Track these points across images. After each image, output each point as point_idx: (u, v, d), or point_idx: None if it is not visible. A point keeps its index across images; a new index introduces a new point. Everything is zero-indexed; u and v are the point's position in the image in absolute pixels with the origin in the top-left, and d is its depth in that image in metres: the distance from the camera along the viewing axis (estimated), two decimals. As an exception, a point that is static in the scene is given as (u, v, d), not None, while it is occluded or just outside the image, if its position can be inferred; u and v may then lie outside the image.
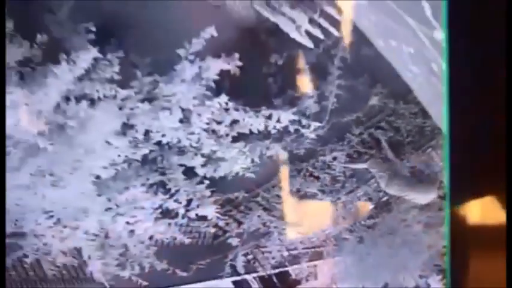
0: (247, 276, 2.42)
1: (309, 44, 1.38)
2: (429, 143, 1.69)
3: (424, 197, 2.30)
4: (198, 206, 1.58)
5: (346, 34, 1.32)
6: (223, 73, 1.30)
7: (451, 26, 0.84)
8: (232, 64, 1.38)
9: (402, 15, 0.92)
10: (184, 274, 1.49)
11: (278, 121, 1.57)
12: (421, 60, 0.95)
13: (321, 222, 2.42)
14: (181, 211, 1.57)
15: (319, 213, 2.12)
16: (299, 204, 2.16)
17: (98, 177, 1.29)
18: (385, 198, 1.85)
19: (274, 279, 3.07)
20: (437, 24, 0.90)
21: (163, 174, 1.49)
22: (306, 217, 2.27)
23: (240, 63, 1.31)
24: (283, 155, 1.86)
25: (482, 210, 0.94)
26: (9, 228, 1.15)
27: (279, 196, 2.10)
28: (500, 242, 0.93)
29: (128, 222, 1.41)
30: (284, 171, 1.98)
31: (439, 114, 0.92)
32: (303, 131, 1.54)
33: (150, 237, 1.45)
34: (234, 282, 2.46)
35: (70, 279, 1.19)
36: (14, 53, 1.07)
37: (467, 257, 0.91)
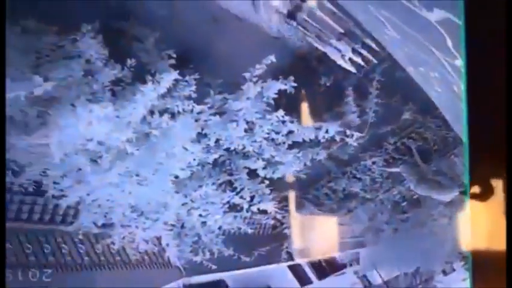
0: (300, 261, 2.38)
1: (352, 69, 1.38)
2: (452, 151, 1.67)
3: (447, 196, 2.26)
4: (259, 202, 1.56)
5: (382, 62, 1.32)
6: (280, 92, 1.29)
7: (468, 55, 0.83)
8: (288, 85, 1.36)
9: (429, 47, 0.92)
10: (248, 259, 1.48)
11: (326, 132, 1.55)
12: (445, 83, 0.95)
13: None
14: (246, 206, 1.55)
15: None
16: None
17: (176, 177, 1.29)
18: (415, 197, 1.82)
19: (323, 264, 3.06)
20: (457, 55, 0.90)
21: (230, 175, 1.48)
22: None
23: (294, 84, 1.30)
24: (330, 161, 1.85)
25: (496, 205, 0.93)
26: (100, 219, 1.15)
27: (327, 194, 2.08)
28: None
29: (200, 215, 1.40)
30: (331, 174, 1.97)
31: (460, 126, 0.91)
32: (347, 140, 1.52)
33: (219, 228, 1.44)
34: (289, 266, 2.42)
35: (150, 264, 1.18)
36: (108, 74, 1.07)
37: (486, 245, 0.89)
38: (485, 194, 0.91)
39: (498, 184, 0.91)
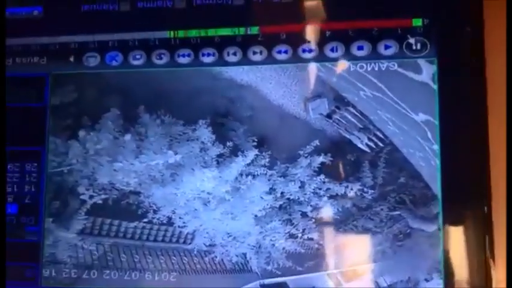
0: (335, 271, 2.29)
1: (368, 150, 1.35)
2: (431, 202, 1.61)
3: (431, 228, 2.14)
4: (308, 233, 1.54)
5: (386, 146, 1.29)
6: (322, 163, 1.28)
7: (442, 142, 0.85)
8: (327, 159, 1.35)
9: (416, 137, 0.92)
10: (301, 269, 1.44)
11: (351, 189, 1.53)
12: (426, 160, 0.94)
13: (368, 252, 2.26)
14: (299, 235, 1.53)
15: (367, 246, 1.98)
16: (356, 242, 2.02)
17: (256, 215, 1.27)
18: (408, 231, 1.75)
19: (349, 273, 2.94)
20: (434, 141, 0.91)
21: (290, 215, 1.46)
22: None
23: (331, 159, 1.29)
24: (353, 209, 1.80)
25: (459, 236, 0.96)
26: (208, 242, 1.14)
27: (351, 228, 2.01)
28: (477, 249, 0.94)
29: (271, 240, 1.38)
30: (354, 216, 1.91)
31: (436, 187, 0.92)
32: (364, 194, 1.49)
33: (283, 248, 1.41)
34: (327, 274, 2.32)
35: (238, 270, 1.15)
36: (215, 151, 1.07)
37: (455, 263, 0.91)
38: (454, 230, 0.94)
39: (463, 223, 0.94)
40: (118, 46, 0.76)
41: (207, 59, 0.76)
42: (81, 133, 0.81)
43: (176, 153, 0.93)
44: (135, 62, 0.78)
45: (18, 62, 0.77)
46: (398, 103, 0.77)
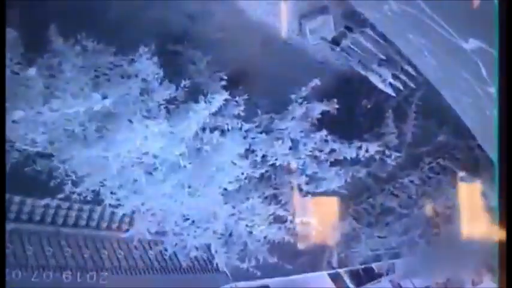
0: (340, 270, 2.30)
1: (392, 93, 1.34)
2: (484, 170, 1.60)
3: (479, 207, 2.17)
4: (303, 214, 1.53)
5: (420, 87, 1.28)
6: (324, 113, 1.26)
7: (502, 83, 0.80)
8: (331, 106, 1.33)
9: (464, 74, 0.89)
10: (290, 267, 1.44)
11: (367, 151, 1.51)
12: (478, 108, 0.92)
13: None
14: (290, 218, 1.53)
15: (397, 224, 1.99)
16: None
17: (225, 189, 1.27)
18: (448, 213, 1.75)
19: (361, 272, 2.94)
20: (490, 82, 0.86)
21: (276, 189, 1.45)
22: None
23: (337, 106, 1.27)
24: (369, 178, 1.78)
25: None
26: (154, 227, 1.13)
27: (365, 209, 2.01)
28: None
29: (247, 225, 1.37)
30: (370, 190, 1.90)
31: (491, 147, 0.89)
32: (386, 159, 1.48)
33: (265, 237, 1.41)
34: (329, 274, 2.35)
35: (200, 269, 1.15)
36: (163, 93, 1.06)
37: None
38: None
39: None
40: None
41: (154, -49, 0.74)
42: (-45, 64, 0.77)
43: (105, 97, 0.89)
44: (40, -44, 0.74)
45: None
46: (440, 23, 0.74)
